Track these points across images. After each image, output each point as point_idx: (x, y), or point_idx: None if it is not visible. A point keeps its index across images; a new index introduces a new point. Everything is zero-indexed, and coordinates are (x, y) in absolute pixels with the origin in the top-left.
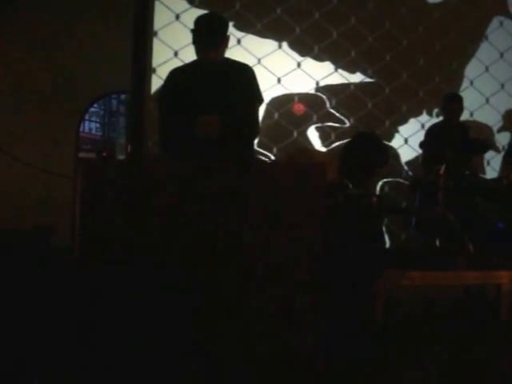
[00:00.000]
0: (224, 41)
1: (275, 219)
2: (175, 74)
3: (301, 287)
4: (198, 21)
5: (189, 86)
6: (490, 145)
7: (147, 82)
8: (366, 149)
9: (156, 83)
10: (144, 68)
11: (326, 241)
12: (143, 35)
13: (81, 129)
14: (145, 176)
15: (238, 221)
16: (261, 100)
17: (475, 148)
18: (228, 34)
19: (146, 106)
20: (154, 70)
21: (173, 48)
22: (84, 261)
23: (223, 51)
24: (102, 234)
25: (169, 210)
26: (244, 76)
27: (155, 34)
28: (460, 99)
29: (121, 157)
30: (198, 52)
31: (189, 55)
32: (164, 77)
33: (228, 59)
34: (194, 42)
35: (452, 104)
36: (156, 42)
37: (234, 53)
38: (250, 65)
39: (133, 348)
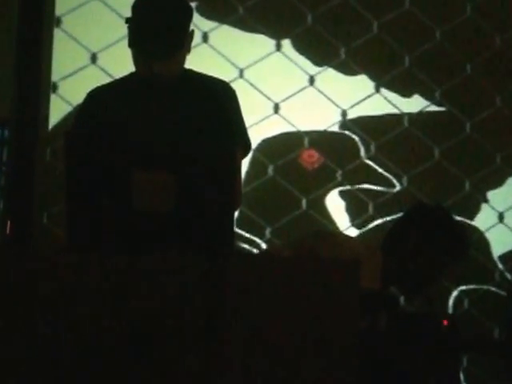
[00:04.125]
0: (184, 40)
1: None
2: (96, 98)
3: None
4: (139, 4)
5: (121, 121)
6: None
7: (41, 108)
8: (428, 233)
9: (58, 110)
10: (36, 83)
11: None
12: (35, 23)
13: None
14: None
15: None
16: (246, 144)
17: None
18: (191, 28)
19: (37, 151)
20: (54, 87)
21: (89, 48)
22: None
23: (183, 58)
24: None
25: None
26: (218, 103)
27: (57, 22)
28: None
29: None
30: (137, 60)
31: (118, 62)
32: (74, 100)
33: (190, 73)
34: (132, 44)
35: None
36: (59, 37)
37: (197, 59)
38: (228, 81)
39: None
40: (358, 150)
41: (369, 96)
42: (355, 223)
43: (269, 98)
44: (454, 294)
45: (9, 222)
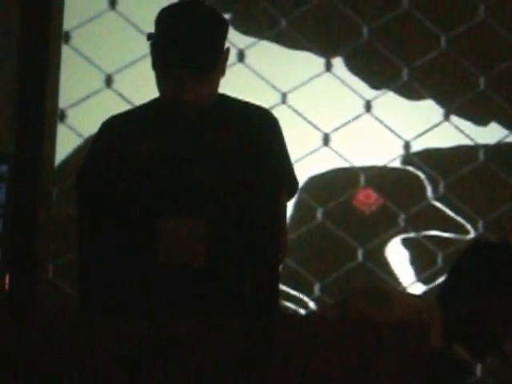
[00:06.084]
0: (219, 60)
1: None
2: (112, 129)
3: None
4: (165, 17)
5: (143, 157)
6: None
7: (47, 142)
8: (496, 277)
9: (67, 143)
10: (40, 110)
11: None
12: (39, 38)
13: None
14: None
15: None
16: (292, 184)
17: None
18: (226, 45)
19: (41, 192)
20: (61, 115)
21: (103, 70)
22: None
23: (216, 81)
24: None
25: None
26: (259, 135)
27: (65, 37)
28: None
29: None
30: (162, 83)
31: (138, 86)
32: (85, 131)
33: (225, 99)
34: (156, 64)
35: None
36: (67, 55)
37: (232, 81)
38: (268, 108)
39: None
40: (425, 190)
41: (436, 125)
42: (422, 278)
43: (317, 128)
44: None
45: (7, 277)
